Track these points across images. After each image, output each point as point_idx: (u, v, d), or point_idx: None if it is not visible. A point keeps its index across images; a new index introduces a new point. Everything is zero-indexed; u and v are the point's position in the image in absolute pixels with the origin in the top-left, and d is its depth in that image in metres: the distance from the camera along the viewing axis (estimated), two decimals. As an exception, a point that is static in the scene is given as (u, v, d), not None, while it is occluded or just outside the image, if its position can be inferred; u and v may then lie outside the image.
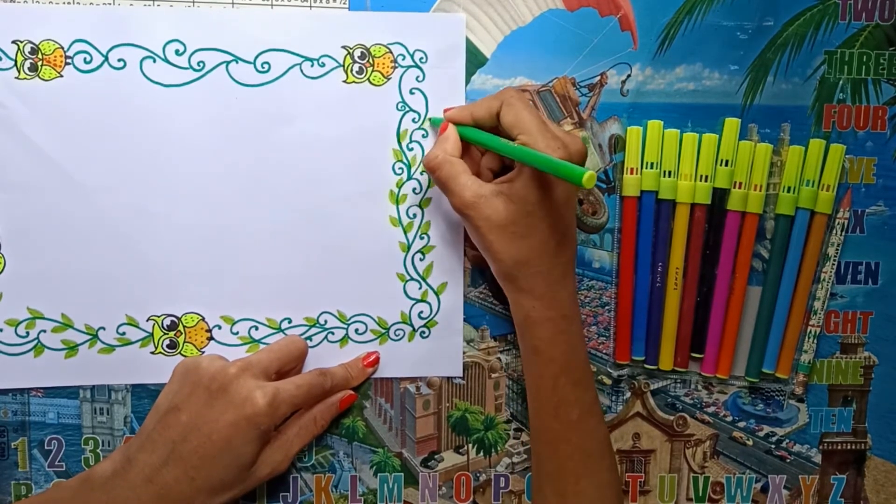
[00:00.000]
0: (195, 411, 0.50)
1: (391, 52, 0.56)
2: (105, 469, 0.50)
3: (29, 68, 0.54)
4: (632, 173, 0.58)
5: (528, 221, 0.49)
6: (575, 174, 0.42)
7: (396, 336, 0.58)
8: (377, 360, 0.58)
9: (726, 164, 0.57)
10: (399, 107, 0.56)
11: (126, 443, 0.52)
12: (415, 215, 0.57)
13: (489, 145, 0.50)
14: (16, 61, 0.54)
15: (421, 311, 0.58)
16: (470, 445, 0.60)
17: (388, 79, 0.56)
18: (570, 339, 0.52)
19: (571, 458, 0.52)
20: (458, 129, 0.53)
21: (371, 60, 0.56)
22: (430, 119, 0.57)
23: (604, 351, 0.60)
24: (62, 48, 0.54)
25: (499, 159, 0.54)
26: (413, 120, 0.56)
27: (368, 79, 0.56)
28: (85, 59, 0.54)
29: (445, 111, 0.55)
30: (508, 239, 0.49)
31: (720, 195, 0.58)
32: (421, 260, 0.58)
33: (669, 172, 0.58)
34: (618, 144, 0.58)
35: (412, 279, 0.58)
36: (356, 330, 0.58)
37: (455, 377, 0.59)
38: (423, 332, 0.59)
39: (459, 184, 0.50)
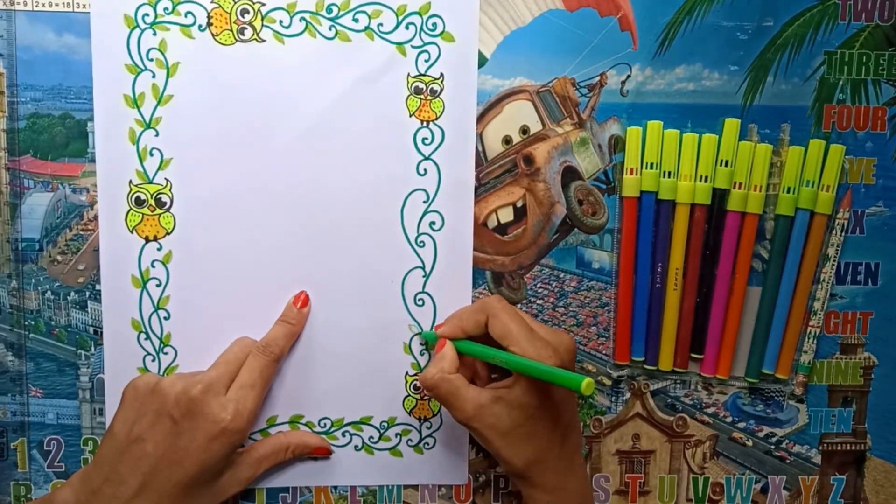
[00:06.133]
0: (161, 441, 0.49)
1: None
2: (67, 499, 0.49)
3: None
4: (631, 174, 0.58)
5: (532, 423, 0.50)
6: (574, 383, 0.44)
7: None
8: (307, 299, 0.57)
9: (726, 165, 0.57)
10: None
11: (85, 471, 0.51)
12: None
13: (486, 358, 0.52)
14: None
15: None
16: (470, 446, 0.60)
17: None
18: None
19: None
20: (455, 344, 0.54)
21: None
22: (421, 334, 0.57)
23: (603, 351, 0.60)
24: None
25: None
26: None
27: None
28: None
29: (436, 328, 0.56)
30: (515, 442, 0.50)
31: (720, 195, 0.58)
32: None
33: (669, 173, 0.58)
34: (617, 145, 0.58)
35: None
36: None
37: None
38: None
39: (460, 398, 0.51)
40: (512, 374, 0.51)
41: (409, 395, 0.58)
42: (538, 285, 0.59)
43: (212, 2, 0.54)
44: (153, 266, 0.56)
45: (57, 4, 0.54)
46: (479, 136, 0.57)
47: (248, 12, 0.54)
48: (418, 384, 0.58)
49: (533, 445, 0.50)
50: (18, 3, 0.54)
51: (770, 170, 0.58)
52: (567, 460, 0.52)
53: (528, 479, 0.51)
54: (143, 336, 0.56)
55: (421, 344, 0.58)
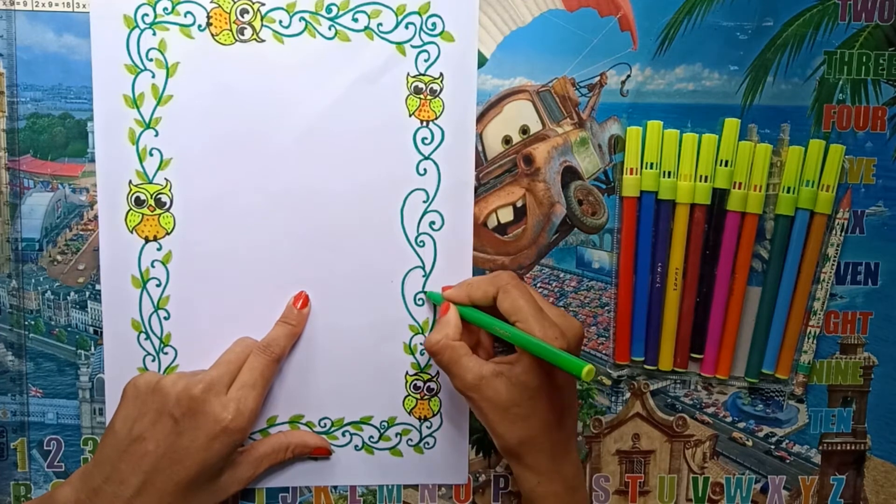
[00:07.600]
0: (163, 440, 0.49)
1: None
2: (67, 498, 0.49)
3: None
4: (631, 174, 0.58)
5: (530, 403, 0.50)
6: (575, 367, 0.45)
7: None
8: (307, 299, 0.57)
9: (726, 165, 0.57)
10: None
11: (85, 469, 0.50)
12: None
13: (489, 329, 0.52)
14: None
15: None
16: (469, 446, 0.60)
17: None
18: None
19: None
20: (459, 309, 0.54)
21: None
22: (426, 293, 0.57)
23: (603, 351, 0.60)
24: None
25: None
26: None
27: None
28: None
29: (444, 289, 0.56)
30: (511, 419, 0.50)
31: (720, 195, 0.58)
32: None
33: (669, 173, 0.58)
34: (617, 145, 0.58)
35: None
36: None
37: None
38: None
39: (461, 366, 0.51)
40: (516, 351, 0.51)
41: (409, 395, 0.58)
42: (538, 285, 0.59)
43: (211, 2, 0.54)
44: (153, 266, 0.56)
45: (57, 4, 0.54)
46: (479, 136, 0.57)
47: (247, 12, 0.54)
48: (418, 384, 0.58)
49: (528, 425, 0.50)
50: (18, 3, 0.54)
51: (770, 170, 0.58)
52: (561, 445, 0.52)
53: (519, 459, 0.51)
54: (143, 336, 0.56)
55: (421, 300, 0.58)
